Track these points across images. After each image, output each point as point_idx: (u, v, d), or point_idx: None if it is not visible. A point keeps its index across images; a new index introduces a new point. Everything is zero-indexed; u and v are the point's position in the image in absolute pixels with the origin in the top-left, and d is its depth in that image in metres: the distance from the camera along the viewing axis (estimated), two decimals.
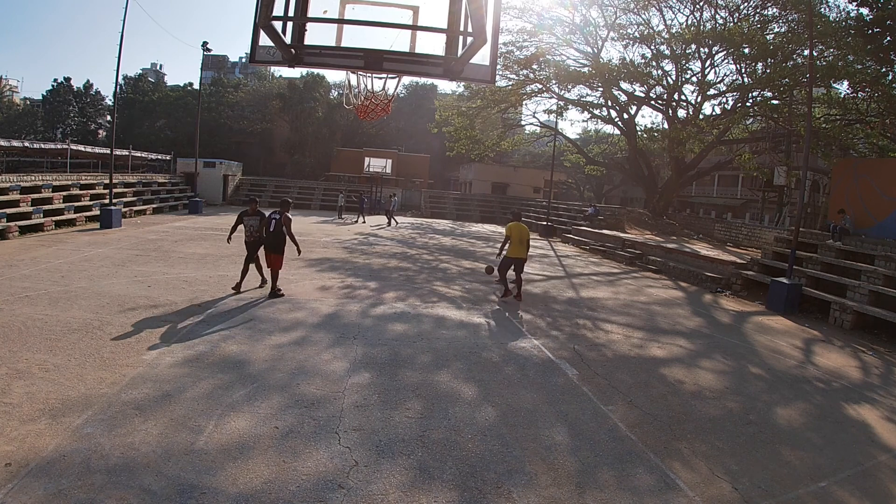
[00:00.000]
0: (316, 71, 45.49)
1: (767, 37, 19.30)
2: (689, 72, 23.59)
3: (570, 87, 24.42)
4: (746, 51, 19.33)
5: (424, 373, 5.51)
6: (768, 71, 18.84)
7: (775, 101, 20.01)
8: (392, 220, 24.39)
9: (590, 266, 15.18)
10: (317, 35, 3.53)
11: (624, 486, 3.67)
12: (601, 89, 23.95)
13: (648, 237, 20.10)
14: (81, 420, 3.93)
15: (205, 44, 24.98)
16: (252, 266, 8.71)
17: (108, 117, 50.31)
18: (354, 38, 3.61)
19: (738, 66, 21.54)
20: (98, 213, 16.14)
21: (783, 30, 19.78)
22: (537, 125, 31.06)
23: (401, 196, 32.31)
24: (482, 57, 3.51)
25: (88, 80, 53.06)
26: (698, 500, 3.58)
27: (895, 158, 16.46)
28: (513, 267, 9.25)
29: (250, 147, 48.35)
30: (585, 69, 23.01)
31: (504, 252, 9.27)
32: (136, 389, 4.52)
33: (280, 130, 48.68)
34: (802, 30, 17.50)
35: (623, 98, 25.02)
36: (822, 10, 18.61)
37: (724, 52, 21.50)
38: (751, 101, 21.05)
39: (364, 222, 24.10)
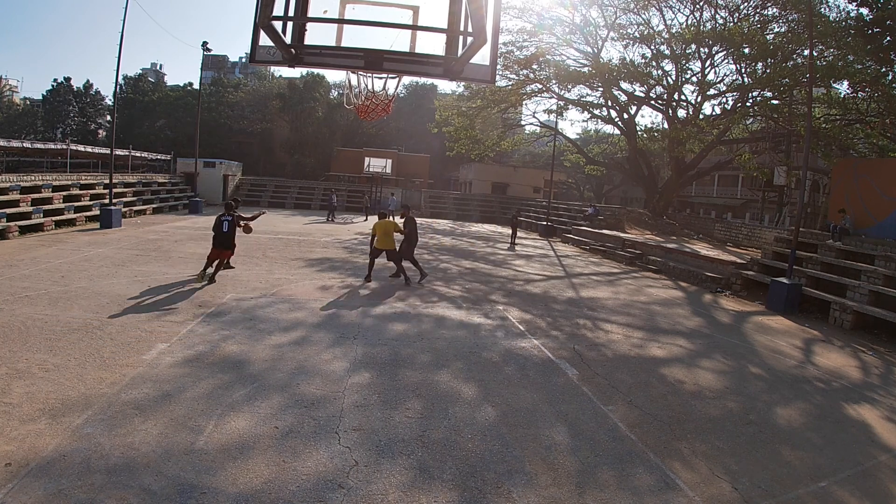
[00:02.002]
0: (316, 71, 45.50)
1: (767, 37, 19.30)
2: (689, 72, 23.62)
3: (570, 87, 24.44)
4: (746, 51, 19.33)
5: (424, 373, 5.51)
6: (768, 71, 18.84)
7: (775, 101, 20.01)
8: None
9: (590, 266, 15.18)
10: (317, 35, 3.53)
11: (624, 486, 3.67)
12: (601, 89, 23.95)
13: (648, 237, 20.10)
14: (81, 420, 3.93)
15: (205, 44, 24.96)
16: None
17: (108, 117, 50.30)
18: (354, 38, 3.60)
19: (738, 66, 21.54)
20: (98, 213, 16.12)
21: (783, 30, 19.80)
22: (537, 125, 31.07)
23: (401, 196, 32.28)
24: (482, 57, 3.50)
25: (88, 80, 53.10)
26: (698, 500, 3.58)
27: (895, 158, 16.46)
28: (385, 255, 10.26)
29: (250, 147, 48.35)
30: (585, 69, 23.02)
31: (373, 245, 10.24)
32: (136, 389, 4.52)
33: (280, 130, 48.66)
34: (802, 30, 17.50)
35: (623, 98, 25.03)
36: (822, 10, 18.63)
37: (724, 52, 21.50)
38: (751, 101, 21.06)
39: (333, 221, 23.93)
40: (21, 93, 61.57)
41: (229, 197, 30.54)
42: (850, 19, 16.47)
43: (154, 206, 22.01)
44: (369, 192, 31.53)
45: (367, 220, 25.94)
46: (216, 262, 9.14)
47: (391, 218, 11.39)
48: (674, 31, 22.16)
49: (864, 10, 15.57)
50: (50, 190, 15.72)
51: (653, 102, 25.09)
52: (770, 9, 20.45)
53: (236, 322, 6.74)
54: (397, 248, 10.28)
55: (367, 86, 4.47)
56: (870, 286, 9.70)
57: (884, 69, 16.10)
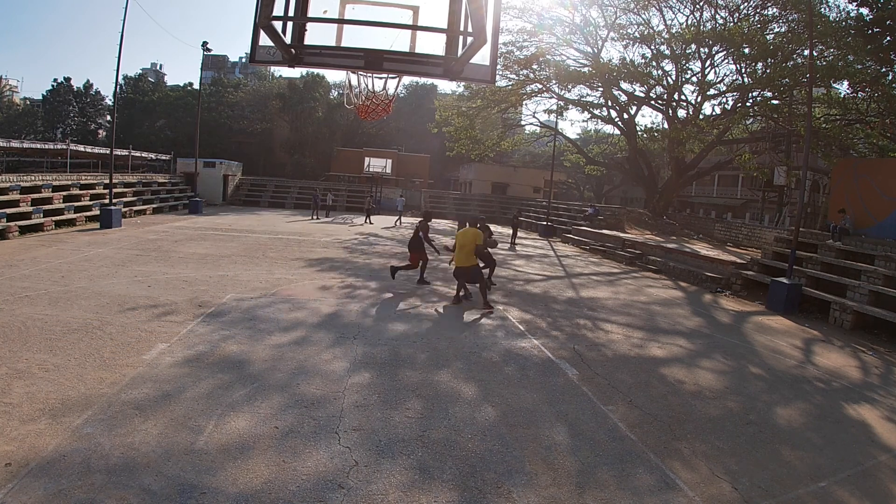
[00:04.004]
0: (316, 71, 45.53)
1: (767, 37, 19.31)
2: (689, 72, 23.63)
3: (570, 87, 24.46)
4: (746, 51, 19.34)
5: (424, 372, 5.51)
6: (768, 71, 18.85)
7: (775, 101, 20.02)
8: (399, 219, 24.77)
9: (590, 266, 15.17)
10: (317, 35, 3.53)
11: (624, 486, 3.67)
12: (601, 89, 23.97)
13: (648, 237, 20.10)
14: (81, 420, 3.93)
15: (205, 44, 24.98)
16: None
17: (108, 117, 50.33)
18: (354, 38, 3.60)
19: (738, 66, 21.55)
20: (98, 213, 16.14)
21: (783, 30, 19.81)
22: (537, 125, 31.08)
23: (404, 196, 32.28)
24: (482, 57, 3.50)
25: (88, 80, 53.14)
26: (698, 500, 3.58)
27: (895, 158, 16.46)
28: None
29: (250, 147, 48.37)
30: (585, 69, 23.03)
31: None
32: (136, 389, 4.52)
33: (280, 130, 48.68)
34: (802, 30, 17.50)
35: (623, 98, 25.04)
36: (822, 10, 18.64)
37: (724, 52, 21.51)
38: (751, 101, 21.07)
39: (317, 219, 24.12)
40: (21, 93, 61.69)
41: (230, 197, 30.83)
42: (850, 19, 16.49)
43: (154, 206, 22.02)
44: (370, 193, 30.99)
45: (368, 222, 24.07)
46: (413, 265, 10.29)
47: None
48: (674, 31, 22.18)
49: (864, 10, 15.60)
50: (50, 190, 15.72)
51: (653, 102, 25.11)
52: (770, 9, 20.46)
53: (236, 322, 6.74)
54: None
55: (367, 86, 4.47)
56: (870, 286, 9.70)
57: (884, 69, 16.11)
